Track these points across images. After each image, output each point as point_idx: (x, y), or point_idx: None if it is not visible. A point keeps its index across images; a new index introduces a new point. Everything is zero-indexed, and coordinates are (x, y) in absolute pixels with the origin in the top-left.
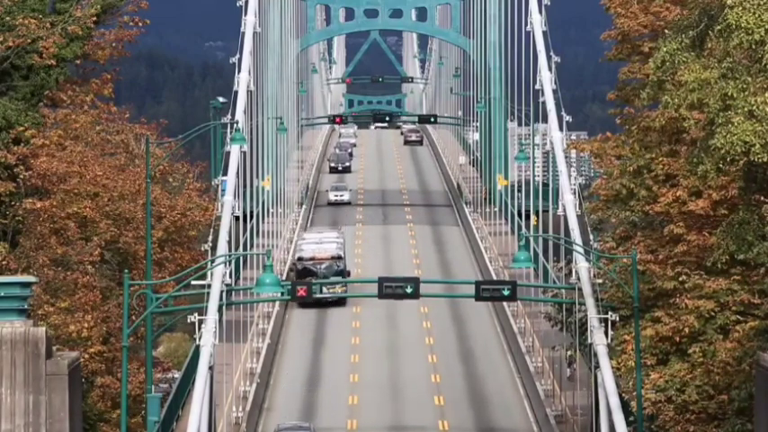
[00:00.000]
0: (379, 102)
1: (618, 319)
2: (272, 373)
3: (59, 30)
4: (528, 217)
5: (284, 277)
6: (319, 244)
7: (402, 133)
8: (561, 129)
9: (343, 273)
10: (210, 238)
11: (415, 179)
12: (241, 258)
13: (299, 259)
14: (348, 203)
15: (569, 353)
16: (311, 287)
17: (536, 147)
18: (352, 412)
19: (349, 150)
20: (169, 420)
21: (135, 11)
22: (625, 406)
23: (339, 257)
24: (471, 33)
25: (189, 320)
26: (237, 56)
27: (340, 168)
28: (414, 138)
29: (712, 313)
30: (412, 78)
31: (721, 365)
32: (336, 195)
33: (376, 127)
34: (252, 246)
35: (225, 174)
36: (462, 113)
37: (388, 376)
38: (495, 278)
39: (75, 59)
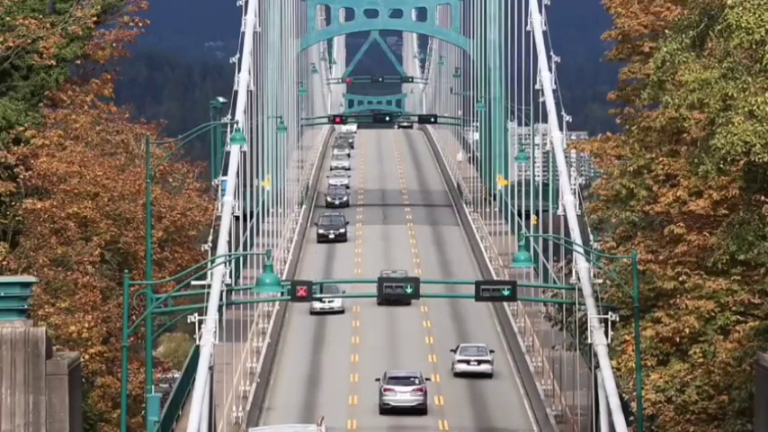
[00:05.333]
0: (380, 102)
1: (618, 319)
2: (272, 372)
3: (59, 30)
4: (528, 217)
5: None
6: None
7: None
8: (561, 129)
9: None
10: (210, 238)
11: (415, 179)
12: (241, 258)
13: None
14: (341, 312)
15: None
16: (311, 287)
17: (536, 147)
18: (352, 412)
19: (344, 198)
20: (169, 420)
21: (135, 11)
22: (625, 406)
23: None
24: (471, 33)
25: (189, 320)
26: (237, 56)
27: (331, 236)
28: (405, 123)
29: (712, 314)
30: (412, 78)
31: (721, 366)
32: (324, 302)
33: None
34: (252, 246)
35: (225, 174)
36: (462, 113)
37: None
38: (495, 278)
39: (76, 59)
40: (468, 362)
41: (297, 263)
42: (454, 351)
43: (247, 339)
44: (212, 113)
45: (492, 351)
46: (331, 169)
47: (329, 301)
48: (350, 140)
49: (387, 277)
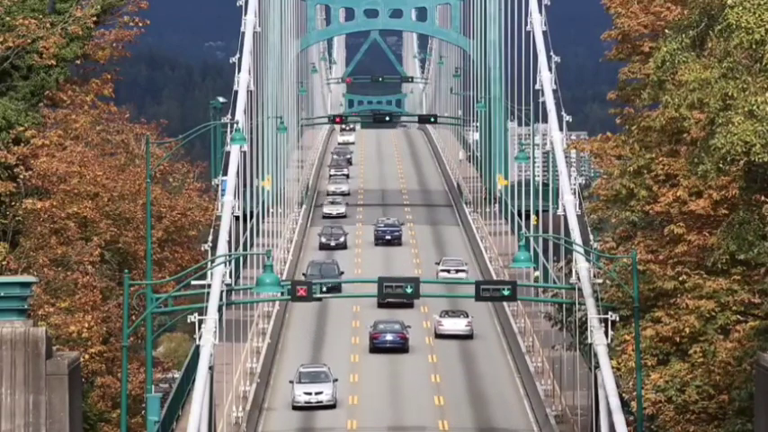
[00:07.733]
0: (380, 102)
1: (618, 319)
2: (272, 373)
3: (59, 30)
4: (528, 217)
5: None
6: None
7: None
8: (561, 129)
9: None
10: (210, 238)
11: (415, 179)
12: (241, 258)
13: None
14: (332, 407)
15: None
16: (311, 287)
17: (536, 147)
18: (352, 412)
19: (341, 239)
20: (169, 420)
21: (135, 11)
22: (625, 406)
23: None
24: (471, 33)
25: (189, 320)
26: (237, 56)
27: (323, 289)
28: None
29: (713, 313)
30: (412, 78)
31: (721, 365)
32: (310, 394)
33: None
34: (252, 246)
35: (225, 174)
36: (462, 113)
37: (389, 376)
38: (495, 278)
39: (76, 59)
40: (448, 271)
41: (297, 263)
42: (438, 263)
43: (247, 339)
44: (212, 113)
45: (466, 263)
46: (328, 194)
47: (317, 393)
48: (347, 156)
49: (387, 277)
